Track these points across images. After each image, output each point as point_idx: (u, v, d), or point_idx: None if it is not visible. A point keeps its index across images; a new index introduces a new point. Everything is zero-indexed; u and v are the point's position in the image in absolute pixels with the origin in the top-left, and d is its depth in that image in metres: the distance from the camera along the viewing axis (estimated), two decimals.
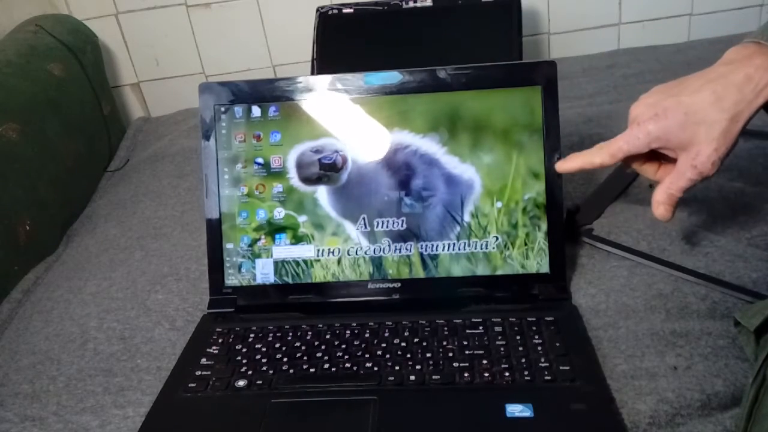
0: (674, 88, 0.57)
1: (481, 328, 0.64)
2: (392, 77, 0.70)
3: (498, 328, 0.63)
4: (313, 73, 1.13)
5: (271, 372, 0.61)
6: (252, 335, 0.66)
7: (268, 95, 0.71)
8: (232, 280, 0.71)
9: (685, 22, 1.31)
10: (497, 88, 0.68)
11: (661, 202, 0.59)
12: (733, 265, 0.68)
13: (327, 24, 1.14)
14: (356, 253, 0.70)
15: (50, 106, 1.03)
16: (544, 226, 0.68)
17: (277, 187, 0.70)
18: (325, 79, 0.70)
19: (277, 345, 0.64)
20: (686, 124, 0.55)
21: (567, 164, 0.65)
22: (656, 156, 0.61)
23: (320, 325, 0.66)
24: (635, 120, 0.58)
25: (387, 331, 0.64)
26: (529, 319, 0.64)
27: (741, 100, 0.53)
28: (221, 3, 1.27)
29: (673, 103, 0.56)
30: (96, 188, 1.08)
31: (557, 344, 0.60)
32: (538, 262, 0.68)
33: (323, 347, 0.63)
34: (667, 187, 0.59)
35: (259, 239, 0.71)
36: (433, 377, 0.58)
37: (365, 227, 0.69)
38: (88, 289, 0.80)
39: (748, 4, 1.29)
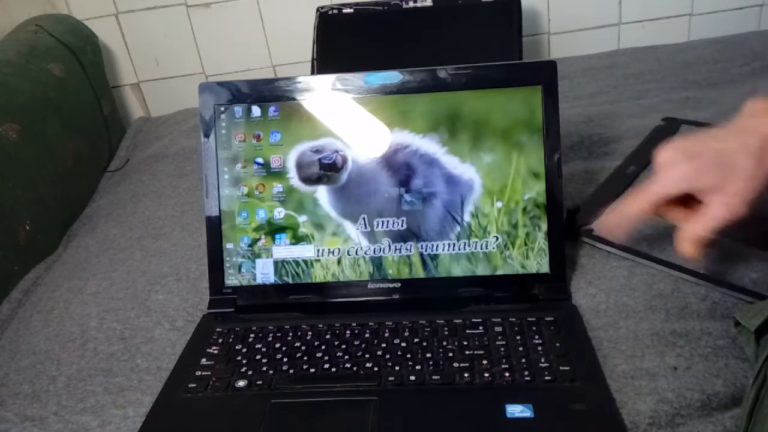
0: (700, 137, 0.58)
1: (481, 328, 0.64)
2: (392, 77, 0.70)
3: (498, 328, 0.63)
4: (313, 73, 1.13)
5: (271, 372, 0.61)
6: (252, 335, 0.66)
7: (268, 95, 0.71)
8: (232, 280, 0.71)
9: (685, 22, 1.31)
10: (497, 88, 0.68)
11: (686, 239, 0.59)
12: (733, 265, 0.68)
13: (327, 24, 1.14)
14: (356, 253, 0.70)
15: (50, 106, 1.03)
16: (544, 226, 0.68)
17: (277, 187, 0.70)
18: (325, 79, 0.70)
19: (277, 345, 0.64)
20: (717, 166, 0.55)
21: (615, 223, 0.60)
22: (684, 202, 0.61)
23: (320, 325, 0.66)
24: (665, 162, 0.58)
25: (387, 331, 0.64)
26: (529, 319, 0.64)
27: (765, 146, 0.54)
28: (221, 3, 1.27)
29: (702, 147, 0.56)
30: (96, 188, 1.08)
31: (557, 344, 0.60)
32: (538, 262, 0.68)
33: (323, 347, 0.63)
34: (695, 225, 0.58)
35: (259, 239, 0.71)
36: (433, 377, 0.58)
37: (365, 227, 0.69)
38: (88, 289, 0.80)
39: (748, 4, 1.29)
